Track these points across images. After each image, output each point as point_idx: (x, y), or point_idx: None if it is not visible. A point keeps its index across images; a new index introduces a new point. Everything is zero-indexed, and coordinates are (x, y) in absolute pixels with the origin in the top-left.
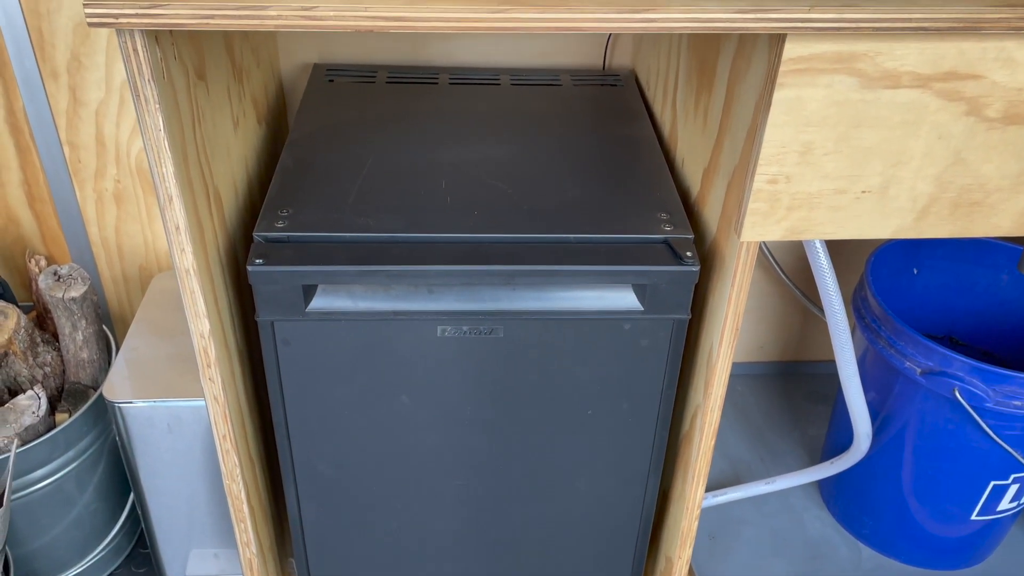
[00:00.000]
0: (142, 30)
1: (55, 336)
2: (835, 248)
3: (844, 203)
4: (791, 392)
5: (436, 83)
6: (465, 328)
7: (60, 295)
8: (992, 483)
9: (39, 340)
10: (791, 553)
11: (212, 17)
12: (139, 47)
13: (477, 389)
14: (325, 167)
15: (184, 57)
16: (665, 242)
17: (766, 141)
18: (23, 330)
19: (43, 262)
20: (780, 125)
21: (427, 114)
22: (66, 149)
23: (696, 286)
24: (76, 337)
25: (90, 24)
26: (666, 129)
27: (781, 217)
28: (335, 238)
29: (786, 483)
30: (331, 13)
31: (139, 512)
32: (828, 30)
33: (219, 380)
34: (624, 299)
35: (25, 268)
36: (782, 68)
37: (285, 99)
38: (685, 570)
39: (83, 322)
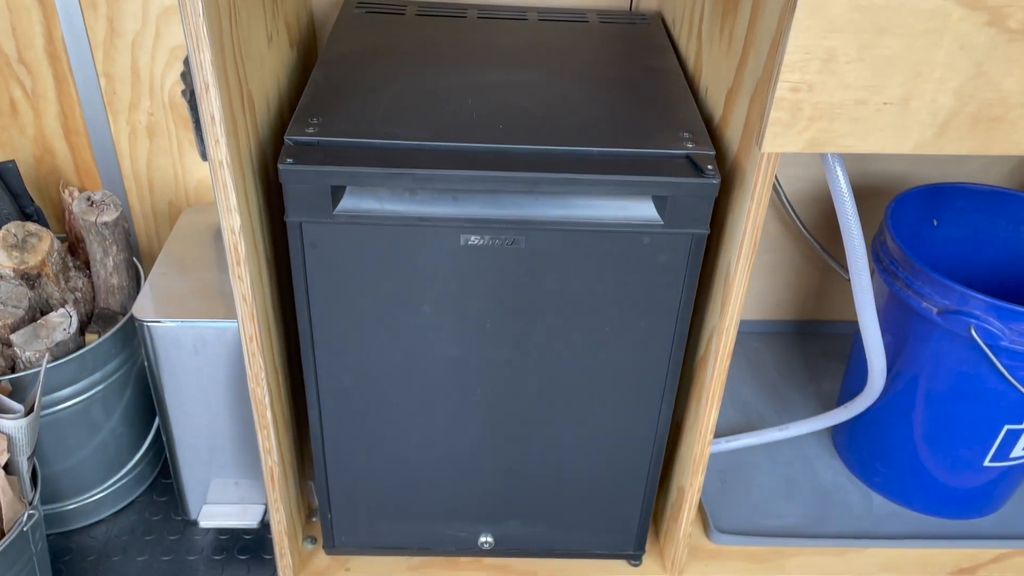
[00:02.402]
0: None
1: (86, 265)
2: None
3: (865, 115)
4: (807, 350)
5: (465, 17)
6: (488, 237)
7: (93, 219)
8: (1006, 427)
9: (71, 265)
10: (802, 499)
11: None
12: None
13: (498, 301)
14: (355, 84)
15: None
16: (687, 157)
17: (790, 47)
18: (56, 253)
19: (76, 193)
20: (804, 29)
21: (455, 44)
22: (102, 80)
23: (717, 206)
24: (107, 263)
25: None
26: (691, 63)
27: (803, 128)
28: (364, 144)
29: (799, 430)
30: None
31: (163, 438)
32: None
33: (248, 279)
34: (644, 211)
35: (59, 199)
36: None
37: (316, 32)
38: (696, 498)
39: (114, 248)
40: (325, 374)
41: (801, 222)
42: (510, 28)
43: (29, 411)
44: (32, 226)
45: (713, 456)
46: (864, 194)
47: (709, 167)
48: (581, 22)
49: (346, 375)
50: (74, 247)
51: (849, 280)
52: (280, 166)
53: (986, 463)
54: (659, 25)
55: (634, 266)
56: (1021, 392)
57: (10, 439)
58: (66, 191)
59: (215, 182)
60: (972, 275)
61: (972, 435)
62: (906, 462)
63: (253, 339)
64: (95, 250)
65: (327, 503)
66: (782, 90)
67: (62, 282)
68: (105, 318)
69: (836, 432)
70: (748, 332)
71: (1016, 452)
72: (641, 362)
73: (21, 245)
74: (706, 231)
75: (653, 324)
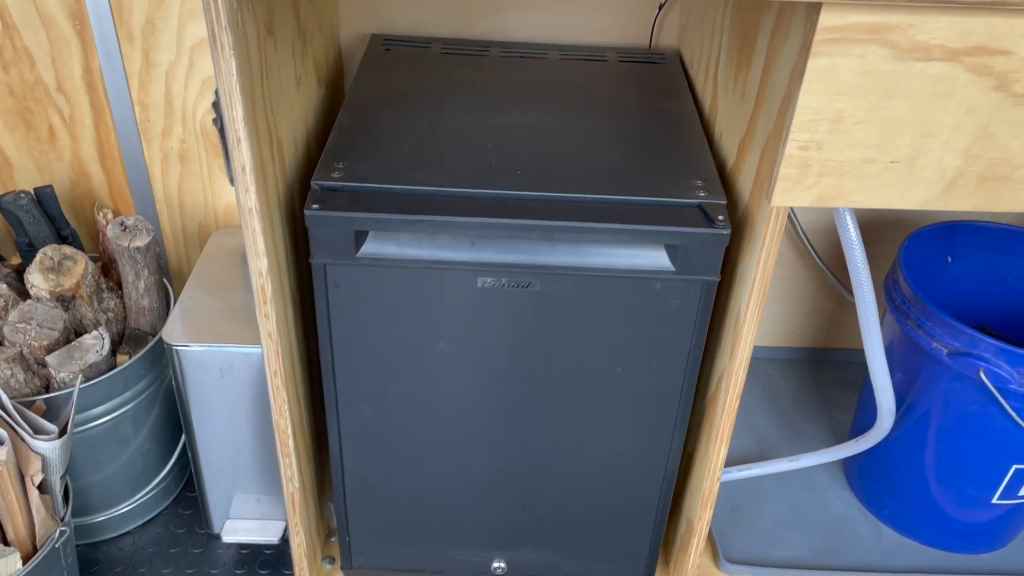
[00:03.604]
0: None
1: (119, 285)
2: (869, 235)
3: (873, 172)
4: (821, 378)
5: (487, 55)
6: (504, 280)
7: (126, 244)
8: (1014, 467)
9: (104, 287)
10: (811, 529)
11: None
12: None
13: (512, 341)
14: (379, 126)
15: (256, 12)
16: (699, 206)
17: (799, 109)
18: (90, 275)
19: (110, 215)
20: (813, 93)
21: (477, 83)
22: (137, 108)
23: (728, 252)
24: (138, 285)
25: None
26: (707, 105)
27: (811, 184)
28: (386, 189)
29: (810, 461)
30: None
31: (189, 454)
32: (862, 2)
33: (273, 317)
34: (657, 259)
35: (93, 221)
36: (817, 37)
37: (343, 66)
38: (705, 532)
39: (145, 271)
40: (346, 405)
41: (816, 253)
42: (530, 67)
43: (62, 432)
44: (68, 249)
45: (723, 485)
46: (878, 227)
47: (720, 218)
48: (601, 60)
49: (366, 406)
50: (107, 267)
51: None
52: (306, 212)
53: (994, 501)
54: (677, 64)
55: (646, 310)
56: None
57: (44, 459)
58: (100, 213)
59: (244, 228)
60: (987, 312)
61: (981, 473)
62: (916, 496)
63: (278, 374)
64: (127, 273)
65: (345, 526)
66: (791, 148)
67: (95, 303)
68: (136, 339)
69: (847, 463)
70: (762, 359)
71: None
72: (652, 401)
73: (57, 268)
74: (716, 278)
75: (664, 366)
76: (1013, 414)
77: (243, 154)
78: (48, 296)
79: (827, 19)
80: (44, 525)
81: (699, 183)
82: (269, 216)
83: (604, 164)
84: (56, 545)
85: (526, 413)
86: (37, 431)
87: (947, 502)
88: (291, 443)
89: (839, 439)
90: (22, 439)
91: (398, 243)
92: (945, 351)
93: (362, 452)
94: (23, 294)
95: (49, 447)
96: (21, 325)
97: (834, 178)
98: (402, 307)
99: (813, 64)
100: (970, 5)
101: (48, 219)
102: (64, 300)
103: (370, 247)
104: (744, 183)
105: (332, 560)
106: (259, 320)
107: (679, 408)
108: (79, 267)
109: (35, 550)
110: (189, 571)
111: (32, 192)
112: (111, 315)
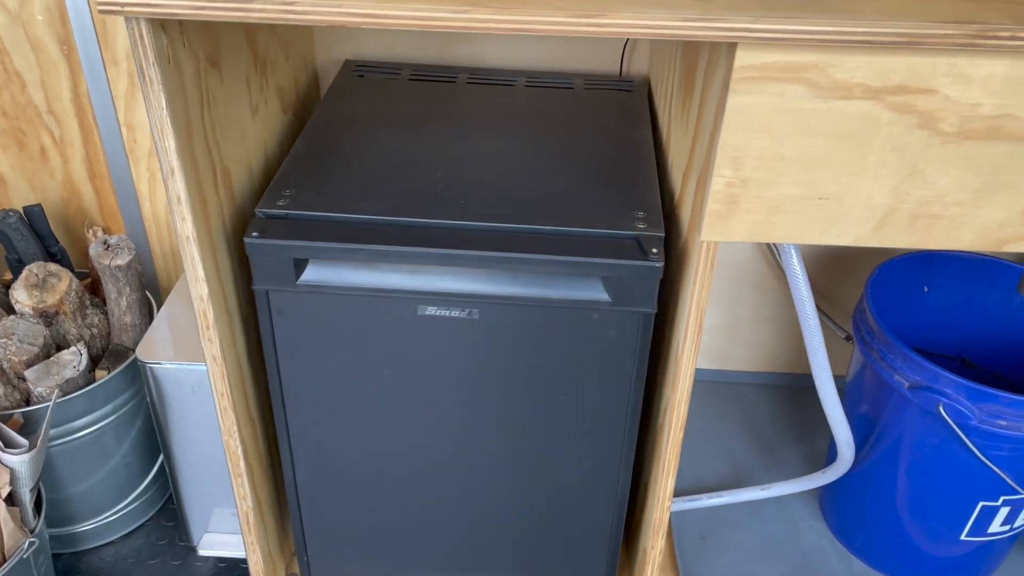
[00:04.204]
0: (146, 18)
1: (104, 302)
2: (846, 262)
3: (802, 209)
4: (803, 404)
5: (455, 82)
6: (444, 309)
7: (107, 262)
8: (981, 504)
9: (88, 303)
10: (780, 560)
11: (203, 9)
12: (144, 33)
13: (456, 368)
14: (334, 154)
15: (195, 45)
16: (636, 239)
17: (721, 145)
18: (73, 292)
19: (99, 233)
20: (735, 130)
21: (440, 110)
22: (123, 130)
23: (670, 284)
24: (121, 302)
25: (100, 11)
26: (664, 134)
27: (740, 219)
28: (329, 218)
29: (779, 491)
30: (309, 8)
31: (167, 469)
32: (775, 40)
33: (217, 341)
34: (593, 291)
35: (84, 238)
36: (734, 76)
37: (320, 92)
38: (658, 560)
39: (127, 289)
40: (296, 429)
41: None
42: (496, 94)
43: (34, 446)
44: (53, 266)
45: (693, 512)
46: (855, 254)
47: (654, 251)
48: (567, 88)
49: (315, 431)
50: (96, 283)
51: (843, 338)
52: (246, 239)
53: (963, 537)
54: (644, 92)
55: (585, 340)
56: (995, 471)
57: (13, 473)
58: (90, 231)
59: (183, 255)
60: (966, 344)
61: (947, 509)
62: (886, 529)
63: (225, 396)
64: (110, 290)
65: (303, 545)
66: (717, 184)
67: (79, 319)
68: (118, 354)
69: (822, 493)
70: (744, 384)
71: (994, 528)
72: (597, 430)
73: (41, 285)
74: (653, 310)
75: (607, 395)
76: (975, 450)
77: (177, 184)
78: (31, 312)
79: (743, 58)
80: (13, 536)
81: (641, 215)
82: (211, 244)
83: (549, 194)
84: (25, 556)
85: (474, 439)
86: (9, 444)
87: (917, 537)
88: (242, 463)
89: (818, 467)
90: None
91: (338, 271)
92: (907, 384)
93: (315, 473)
94: (10, 309)
95: (18, 461)
96: (2, 340)
97: (762, 214)
98: (345, 333)
99: (732, 102)
100: (885, 45)
101: (37, 237)
102: (47, 316)
103: (311, 274)
104: (685, 216)
105: None
106: (203, 344)
107: (625, 437)
108: (63, 284)
109: (4, 560)
110: None
111: (21, 211)
112: (95, 331)
